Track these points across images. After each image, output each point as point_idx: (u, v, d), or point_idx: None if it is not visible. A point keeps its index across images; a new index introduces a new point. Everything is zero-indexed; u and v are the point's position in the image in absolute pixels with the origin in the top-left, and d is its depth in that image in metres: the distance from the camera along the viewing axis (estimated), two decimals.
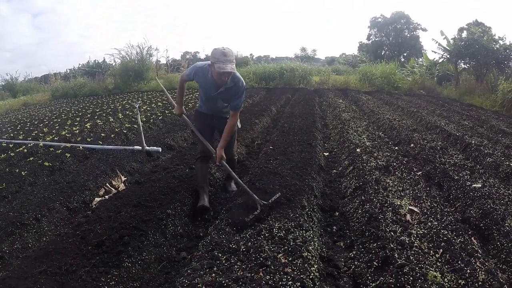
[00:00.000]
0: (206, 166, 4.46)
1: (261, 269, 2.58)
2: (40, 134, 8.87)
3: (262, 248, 2.87)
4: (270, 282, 2.41)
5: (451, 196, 4.38)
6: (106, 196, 4.90)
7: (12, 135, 9.36)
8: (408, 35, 33.13)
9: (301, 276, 2.48)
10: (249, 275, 2.51)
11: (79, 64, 34.12)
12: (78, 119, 11.02)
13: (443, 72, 20.46)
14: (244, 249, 2.89)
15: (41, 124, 10.78)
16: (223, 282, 2.41)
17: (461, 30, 18.38)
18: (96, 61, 32.70)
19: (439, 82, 20.03)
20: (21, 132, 9.55)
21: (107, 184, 5.13)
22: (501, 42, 16.95)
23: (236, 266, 2.67)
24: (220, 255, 2.83)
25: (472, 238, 3.30)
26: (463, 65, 19.21)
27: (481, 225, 3.60)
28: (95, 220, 3.72)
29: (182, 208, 4.07)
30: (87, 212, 4.41)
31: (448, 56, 18.88)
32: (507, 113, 11.81)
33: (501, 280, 2.58)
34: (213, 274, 2.53)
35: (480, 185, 4.38)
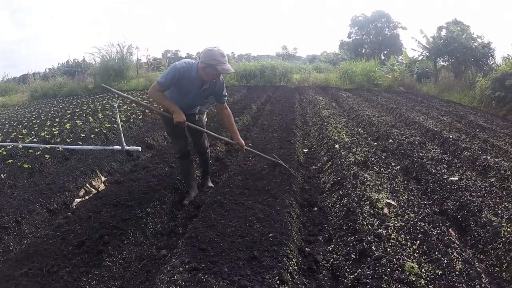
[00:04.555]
0: (188, 162, 4.49)
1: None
2: (19, 136, 8.73)
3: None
4: (248, 272, 2.45)
5: (429, 190, 4.46)
6: (86, 197, 4.85)
7: None
8: (389, 33, 33.67)
9: (280, 270, 2.51)
10: (227, 270, 2.54)
11: (59, 63, 33.67)
12: (57, 119, 10.87)
13: (423, 70, 20.81)
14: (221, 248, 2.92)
15: (20, 126, 10.63)
16: (202, 277, 2.43)
17: (440, 28, 18.72)
18: (76, 60, 32.31)
19: (419, 79, 20.36)
20: (0, 134, 9.40)
21: (87, 185, 5.08)
22: (479, 40, 17.35)
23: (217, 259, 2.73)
24: (199, 251, 2.85)
25: (450, 230, 3.37)
26: (442, 63, 19.55)
27: (459, 216, 3.68)
28: (75, 221, 3.70)
29: (161, 207, 4.06)
30: (67, 213, 4.37)
31: (427, 54, 19.16)
32: (485, 108, 12.04)
33: (478, 270, 2.65)
34: (193, 271, 2.55)
35: (457, 178, 4.46)
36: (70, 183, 5.03)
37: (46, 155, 6.50)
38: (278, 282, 2.40)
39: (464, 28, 17.72)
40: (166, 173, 4.97)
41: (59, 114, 12.09)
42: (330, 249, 3.29)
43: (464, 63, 17.43)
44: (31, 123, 10.80)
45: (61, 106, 14.88)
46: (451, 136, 6.72)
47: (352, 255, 2.91)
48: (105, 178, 5.41)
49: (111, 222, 3.54)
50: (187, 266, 2.59)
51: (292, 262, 2.76)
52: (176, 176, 4.84)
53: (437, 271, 2.58)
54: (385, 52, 33.04)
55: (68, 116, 11.44)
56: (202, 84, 3.87)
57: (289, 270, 2.60)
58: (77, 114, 11.67)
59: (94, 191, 5.03)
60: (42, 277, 2.78)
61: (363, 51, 32.43)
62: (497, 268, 2.88)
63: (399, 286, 2.43)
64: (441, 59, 19.06)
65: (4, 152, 6.94)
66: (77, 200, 4.77)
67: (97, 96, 17.87)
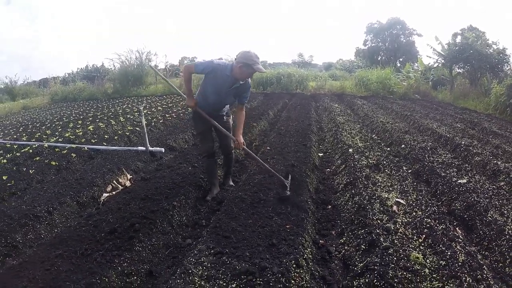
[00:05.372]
0: (213, 162, 4.85)
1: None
2: (44, 136, 9.15)
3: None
4: (267, 256, 2.74)
5: (438, 192, 4.68)
6: (113, 192, 5.18)
7: (15, 136, 9.64)
8: (404, 40, 33.49)
9: (296, 256, 2.78)
10: (248, 254, 2.83)
11: (78, 68, 34.47)
12: (79, 122, 11.29)
13: (438, 77, 20.79)
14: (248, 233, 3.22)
15: (43, 127, 11.08)
16: (226, 260, 2.72)
17: (455, 35, 18.71)
18: (95, 66, 33.06)
19: (434, 87, 20.36)
20: (24, 134, 9.85)
21: (114, 181, 5.42)
22: (494, 46, 17.30)
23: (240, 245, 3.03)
24: (223, 238, 3.16)
25: (457, 228, 3.58)
26: (457, 70, 19.45)
27: (465, 216, 3.90)
28: (106, 212, 4.03)
29: (186, 201, 4.37)
30: (97, 205, 4.75)
31: (442, 61, 19.17)
32: (500, 115, 12.12)
33: (480, 262, 2.85)
34: (218, 254, 2.85)
35: (465, 181, 4.67)
36: (98, 179, 5.37)
37: (72, 154, 6.88)
38: (294, 265, 2.67)
39: (479, 34, 17.69)
40: (190, 172, 5.28)
41: (81, 117, 12.51)
42: (342, 241, 3.55)
43: (479, 70, 17.37)
44: (54, 125, 11.26)
45: (81, 109, 15.35)
46: (463, 142, 6.87)
47: (362, 246, 3.17)
48: (131, 176, 5.74)
49: (141, 212, 3.86)
50: (212, 251, 2.91)
51: (307, 251, 3.03)
52: (199, 175, 5.15)
53: (441, 262, 2.80)
54: (401, 59, 32.95)
55: (90, 119, 11.85)
56: (234, 83, 4.25)
57: (304, 257, 2.87)
58: (98, 117, 12.07)
59: (120, 187, 5.36)
60: (76, 259, 3.06)
61: (379, 59, 32.41)
62: (500, 264, 3.09)
63: (405, 273, 2.66)
64: (457, 66, 18.99)
65: (31, 150, 7.35)
66: (105, 194, 5.11)
67: (117, 101, 18.29)
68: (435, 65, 20.84)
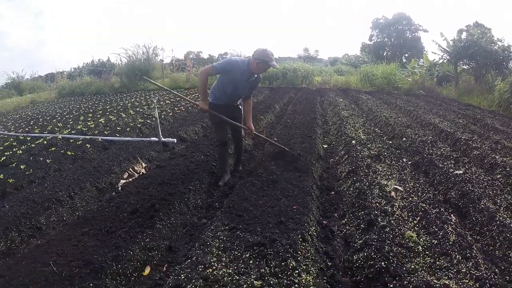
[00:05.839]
0: (225, 150, 5.24)
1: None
2: (55, 128, 9.46)
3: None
4: (277, 231, 3.09)
5: (435, 181, 4.97)
6: (130, 179, 5.52)
7: (27, 129, 9.96)
8: (410, 36, 33.48)
9: (302, 231, 3.12)
10: (260, 229, 3.17)
11: (84, 63, 34.79)
12: (90, 115, 11.61)
13: (443, 73, 20.84)
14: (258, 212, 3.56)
15: (54, 120, 11.38)
16: (240, 234, 3.07)
17: (460, 31, 18.79)
18: (101, 60, 33.37)
19: (439, 83, 20.45)
20: (36, 127, 10.17)
21: (130, 169, 5.76)
22: (499, 43, 17.40)
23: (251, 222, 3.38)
24: (236, 216, 3.51)
25: (451, 215, 3.88)
26: (462, 66, 19.55)
27: (460, 204, 4.18)
28: (126, 195, 4.37)
29: (200, 186, 4.72)
30: (116, 190, 5.10)
31: (448, 57, 19.24)
32: (504, 112, 12.26)
33: (470, 242, 3.14)
34: (232, 229, 3.20)
35: (461, 172, 4.95)
36: (115, 166, 5.71)
37: (87, 145, 7.22)
38: (300, 239, 3.01)
39: (485, 31, 17.77)
40: (202, 160, 5.64)
41: (91, 110, 12.83)
42: (344, 222, 3.89)
43: (484, 66, 17.46)
44: (64, 118, 11.58)
45: (90, 103, 15.66)
46: (463, 137, 7.11)
47: (362, 226, 3.51)
48: (146, 165, 6.08)
49: (159, 195, 4.21)
50: (227, 227, 3.27)
51: (312, 229, 3.37)
52: (211, 163, 5.51)
53: (433, 241, 3.10)
54: (406, 55, 32.98)
55: (100, 112, 12.16)
56: (250, 77, 4.70)
57: (309, 233, 3.21)
58: (108, 110, 12.39)
59: (136, 174, 5.70)
60: (102, 236, 3.37)
61: (385, 54, 32.46)
62: (491, 247, 3.36)
63: (400, 249, 2.97)
64: (462, 62, 19.09)
65: (45, 142, 7.69)
66: (122, 181, 5.45)
67: (124, 95, 18.57)
68: (440, 61, 20.91)
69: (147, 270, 3.11)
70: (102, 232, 3.43)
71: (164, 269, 3.16)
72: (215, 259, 2.77)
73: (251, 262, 2.71)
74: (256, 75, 4.78)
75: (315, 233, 3.39)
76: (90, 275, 2.74)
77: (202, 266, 2.65)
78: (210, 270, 2.62)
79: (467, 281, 2.54)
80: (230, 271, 2.60)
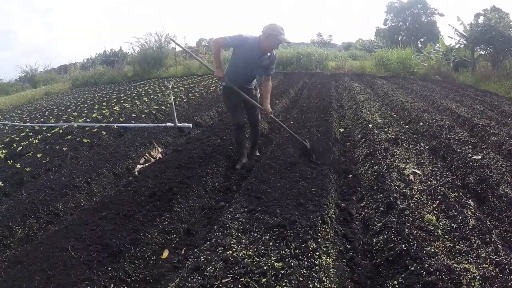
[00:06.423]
0: (241, 133, 5.17)
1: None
2: (71, 118, 9.56)
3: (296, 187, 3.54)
4: (296, 213, 3.09)
5: (453, 166, 4.92)
6: (146, 164, 5.55)
7: (42, 120, 10.10)
8: (425, 20, 33.04)
9: (322, 213, 3.12)
10: (279, 211, 3.18)
11: (96, 53, 35.09)
12: (104, 104, 11.70)
13: (460, 58, 20.54)
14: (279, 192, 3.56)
15: (69, 109, 11.50)
16: (259, 216, 3.08)
17: (477, 15, 18.46)
18: (113, 50, 33.59)
19: (455, 68, 20.13)
20: (51, 117, 10.30)
21: (146, 154, 5.79)
22: None
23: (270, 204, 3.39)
24: (255, 199, 3.52)
25: (469, 200, 3.84)
26: (479, 52, 19.22)
27: (478, 189, 4.13)
28: (144, 179, 4.41)
29: (218, 169, 4.74)
30: (133, 175, 5.14)
31: (464, 42, 18.97)
32: None
33: (490, 227, 3.11)
34: (251, 211, 3.21)
35: (480, 157, 4.87)
36: (131, 152, 5.76)
37: (103, 132, 7.29)
38: (320, 221, 3.00)
39: (502, 15, 17.40)
40: (219, 143, 5.64)
41: (105, 99, 12.92)
42: (362, 205, 3.88)
43: (502, 52, 17.16)
44: (79, 107, 11.68)
45: (104, 93, 15.75)
46: (481, 123, 7.00)
47: (381, 208, 3.49)
48: (162, 150, 6.12)
49: (177, 178, 4.23)
50: (246, 209, 3.27)
51: (331, 211, 3.36)
52: (228, 146, 5.52)
53: (452, 225, 3.07)
54: (422, 39, 32.56)
55: (114, 100, 12.23)
56: (261, 55, 4.57)
57: (329, 215, 3.20)
58: (122, 98, 12.46)
59: (152, 160, 5.74)
60: (120, 220, 3.39)
61: (399, 39, 32.09)
62: (510, 234, 3.31)
63: (419, 232, 2.95)
64: (479, 47, 18.76)
65: (60, 131, 7.78)
66: (139, 166, 5.49)
67: (138, 83, 18.61)
68: (457, 46, 20.66)
69: (165, 253, 3.13)
70: (120, 216, 3.45)
71: (183, 252, 3.18)
72: (235, 241, 2.78)
73: (271, 244, 2.71)
74: (269, 54, 4.62)
75: (334, 216, 3.38)
76: (109, 259, 2.76)
77: (222, 248, 2.67)
78: (230, 252, 2.63)
79: (487, 266, 2.51)
80: (250, 253, 2.61)
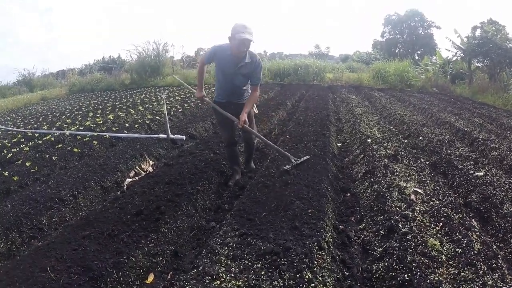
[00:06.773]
0: (233, 150, 4.97)
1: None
2: (64, 125, 9.43)
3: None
4: (291, 238, 2.87)
5: (455, 183, 4.73)
6: (136, 178, 5.35)
7: (35, 126, 9.97)
8: (422, 32, 33.25)
9: (319, 238, 2.90)
10: (272, 236, 2.96)
11: (94, 60, 35.18)
12: (99, 111, 11.60)
13: (457, 71, 20.48)
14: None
15: (63, 116, 11.40)
16: (251, 241, 2.86)
17: (474, 28, 18.41)
18: (111, 57, 33.65)
19: (453, 81, 20.07)
20: (44, 123, 10.18)
21: (137, 167, 5.59)
22: None
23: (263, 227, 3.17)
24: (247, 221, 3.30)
25: (473, 220, 3.65)
26: (476, 64, 19.21)
27: (481, 208, 3.94)
28: (131, 195, 4.19)
29: (209, 186, 4.52)
30: (122, 190, 4.92)
31: (462, 54, 18.95)
32: None
33: (496, 251, 2.92)
34: (243, 235, 2.99)
35: (482, 174, 4.70)
36: (121, 164, 5.56)
37: (94, 141, 7.10)
38: (316, 247, 2.78)
39: (499, 28, 17.36)
40: (212, 158, 5.43)
41: (100, 107, 12.82)
42: (361, 227, 3.65)
43: (499, 64, 17.14)
44: (73, 114, 11.57)
45: (100, 100, 15.69)
46: (480, 136, 6.85)
47: (381, 232, 3.28)
48: (153, 162, 5.91)
49: (166, 196, 4.01)
50: (237, 232, 3.05)
51: (328, 235, 3.14)
52: (221, 161, 5.30)
53: (457, 250, 2.88)
54: (419, 52, 32.69)
55: (109, 108, 12.12)
56: (238, 62, 4.23)
57: (326, 240, 2.98)
58: (117, 106, 12.34)
59: (143, 173, 5.54)
60: (103, 239, 3.19)
61: (397, 51, 32.19)
62: None
63: (422, 258, 2.76)
64: (476, 60, 18.76)
65: (52, 138, 7.63)
66: (128, 180, 5.28)
67: (134, 91, 18.60)
68: (454, 59, 20.62)
69: (150, 278, 2.91)
70: (104, 236, 3.25)
71: (169, 277, 2.96)
72: (224, 269, 2.56)
73: (262, 273, 2.49)
74: (248, 60, 4.22)
75: (331, 239, 3.16)
76: (89, 283, 2.58)
77: (210, 278, 2.45)
78: (218, 282, 2.41)
79: None
80: (239, 283, 2.39)
